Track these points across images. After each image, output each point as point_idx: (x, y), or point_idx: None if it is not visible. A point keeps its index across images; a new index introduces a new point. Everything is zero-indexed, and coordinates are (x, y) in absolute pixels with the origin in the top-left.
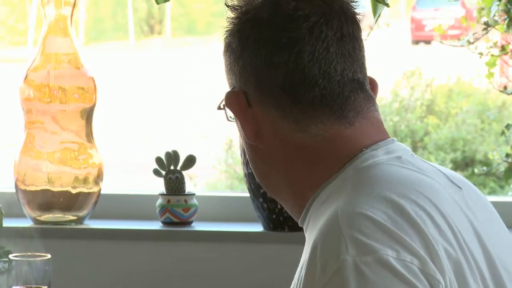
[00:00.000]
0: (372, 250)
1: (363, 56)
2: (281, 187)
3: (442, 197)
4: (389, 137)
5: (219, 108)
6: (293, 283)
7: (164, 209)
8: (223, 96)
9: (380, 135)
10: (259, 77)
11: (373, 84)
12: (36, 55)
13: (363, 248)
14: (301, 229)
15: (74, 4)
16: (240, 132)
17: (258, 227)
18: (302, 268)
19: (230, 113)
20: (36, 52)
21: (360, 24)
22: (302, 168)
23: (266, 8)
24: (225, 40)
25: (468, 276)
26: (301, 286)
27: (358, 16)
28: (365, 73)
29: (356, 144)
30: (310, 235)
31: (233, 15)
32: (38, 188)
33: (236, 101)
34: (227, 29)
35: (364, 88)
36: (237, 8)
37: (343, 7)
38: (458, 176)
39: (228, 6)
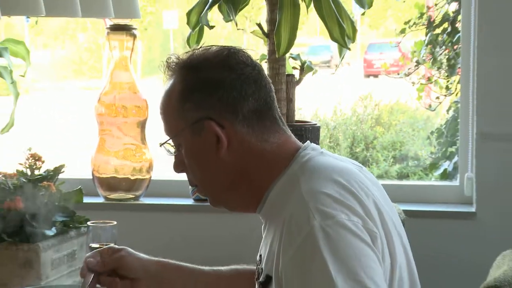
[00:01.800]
0: (331, 216)
1: None
2: (239, 188)
3: (358, 176)
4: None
5: (161, 145)
6: (266, 253)
7: (194, 190)
8: (166, 137)
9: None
10: (235, 106)
11: None
12: (106, 84)
13: (325, 215)
14: None
15: (132, 49)
16: (197, 156)
17: None
18: (276, 239)
19: (169, 148)
20: (106, 82)
21: None
22: (261, 169)
23: (229, 57)
24: (188, 83)
25: (388, 222)
26: (281, 251)
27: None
28: None
29: (293, 147)
30: (273, 216)
31: (195, 64)
32: (108, 176)
33: (214, 127)
34: (191, 74)
35: None
36: (195, 60)
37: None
38: (354, 161)
39: (188, 59)
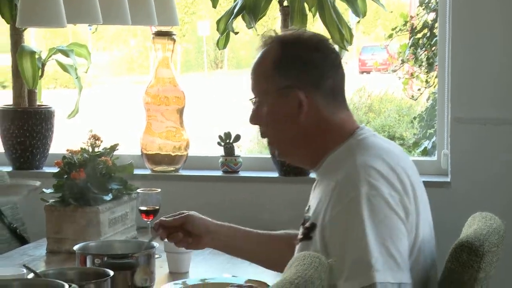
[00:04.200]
0: (376, 187)
1: None
2: (303, 149)
3: (404, 160)
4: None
5: (251, 99)
6: (316, 204)
7: (223, 164)
8: (251, 94)
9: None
10: (318, 82)
11: None
12: (152, 79)
13: (372, 186)
14: (296, 174)
15: (173, 50)
16: (278, 115)
17: (275, 174)
18: (326, 195)
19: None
20: (152, 77)
21: None
22: (325, 135)
23: (320, 43)
24: (285, 55)
25: (420, 203)
26: (329, 205)
27: None
28: None
29: (353, 126)
30: (327, 176)
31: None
32: (153, 152)
33: (299, 95)
34: (288, 48)
35: None
36: (292, 37)
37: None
38: (398, 145)
39: (302, 42)
